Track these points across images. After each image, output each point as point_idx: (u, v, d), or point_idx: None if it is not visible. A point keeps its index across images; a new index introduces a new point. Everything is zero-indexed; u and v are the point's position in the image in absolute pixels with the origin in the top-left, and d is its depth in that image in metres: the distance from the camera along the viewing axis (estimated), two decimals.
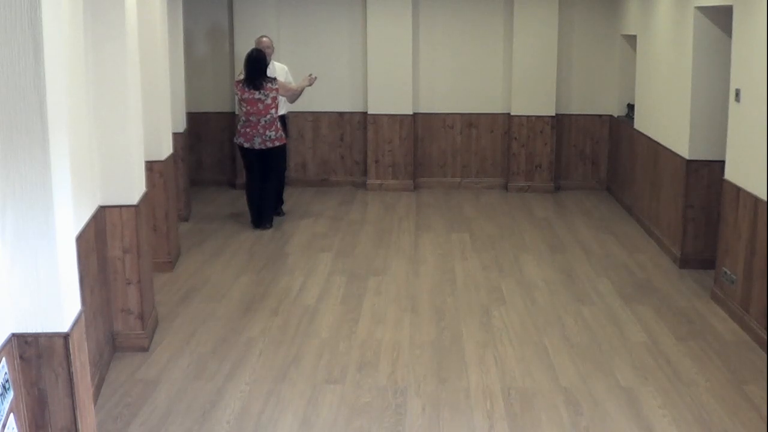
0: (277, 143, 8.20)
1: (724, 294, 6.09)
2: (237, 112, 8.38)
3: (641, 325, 5.84)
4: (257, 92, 8.02)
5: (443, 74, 10.26)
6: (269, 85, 8.08)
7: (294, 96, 8.58)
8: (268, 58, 8.32)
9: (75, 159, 3.96)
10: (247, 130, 8.13)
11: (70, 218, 3.05)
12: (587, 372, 5.07)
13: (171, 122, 7.54)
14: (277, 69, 8.63)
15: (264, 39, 8.57)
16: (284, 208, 8.98)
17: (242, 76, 8.23)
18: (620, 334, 5.67)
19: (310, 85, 8.50)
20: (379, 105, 10.14)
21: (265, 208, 8.34)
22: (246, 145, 8.17)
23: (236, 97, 8.31)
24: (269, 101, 8.06)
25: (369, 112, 10.18)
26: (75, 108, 4.38)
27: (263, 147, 8.15)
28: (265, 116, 8.07)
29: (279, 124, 8.22)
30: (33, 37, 2.70)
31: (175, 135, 7.88)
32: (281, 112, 8.55)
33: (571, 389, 4.84)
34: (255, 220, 8.37)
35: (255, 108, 8.05)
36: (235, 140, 8.36)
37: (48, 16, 2.76)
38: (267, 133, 8.11)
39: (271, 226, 8.32)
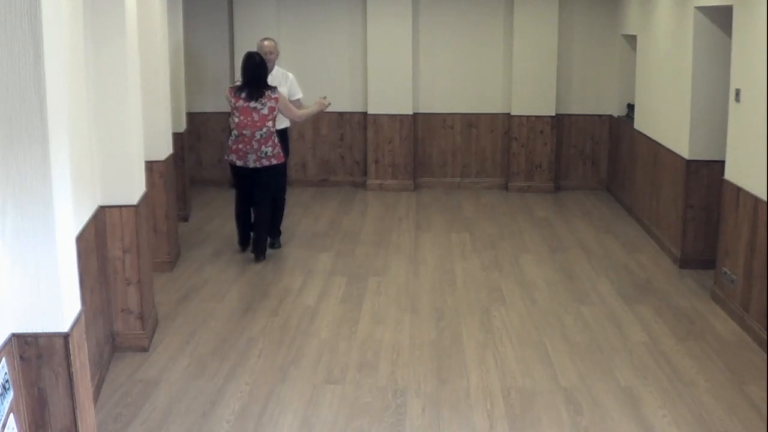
0: (273, 161, 7.09)
1: (724, 294, 6.08)
2: (230, 124, 7.23)
3: (641, 325, 5.84)
4: (252, 101, 6.97)
5: (443, 74, 10.26)
6: (268, 93, 7.00)
7: (295, 117, 7.38)
8: (271, 64, 7.38)
9: (75, 159, 3.96)
10: (240, 146, 7.02)
11: (70, 218, 3.05)
12: (587, 372, 5.07)
13: (171, 122, 7.54)
14: (279, 77, 7.53)
15: (267, 42, 7.50)
16: (282, 239, 7.77)
17: (238, 83, 7.25)
18: (620, 334, 5.67)
19: (322, 110, 7.46)
20: (379, 105, 10.14)
21: (258, 236, 7.25)
22: (238, 163, 7.08)
23: (230, 106, 7.14)
24: (266, 111, 6.96)
25: (369, 112, 10.19)
26: (75, 108, 4.37)
27: (258, 165, 7.06)
28: (260, 129, 6.96)
29: (276, 139, 7.10)
30: (33, 37, 2.70)
31: (175, 135, 7.88)
32: (283, 125, 7.53)
33: (571, 389, 4.84)
34: (243, 241, 7.41)
35: (249, 119, 6.95)
36: (226, 157, 7.23)
37: (48, 16, 2.76)
38: (263, 149, 7.00)
39: (264, 257, 7.23)
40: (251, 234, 7.33)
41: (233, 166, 7.18)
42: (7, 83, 2.71)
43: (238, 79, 7.34)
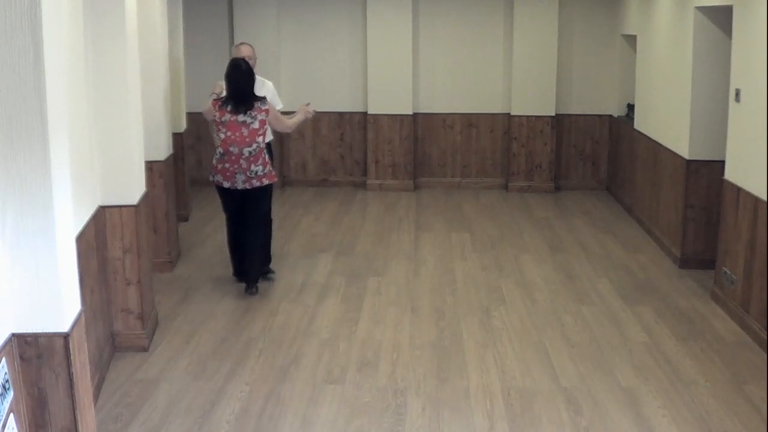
0: (265, 181, 6.31)
1: (724, 294, 6.08)
2: (214, 141, 6.46)
3: (641, 325, 5.84)
4: (240, 114, 6.17)
5: (443, 74, 10.26)
6: (258, 104, 6.21)
7: (286, 128, 6.61)
8: None
9: (75, 159, 3.96)
10: (226, 165, 6.23)
11: (70, 218, 3.05)
12: (587, 372, 5.07)
13: (171, 122, 7.54)
14: (258, 85, 6.60)
15: (244, 47, 6.82)
16: (272, 266, 6.91)
17: (215, 94, 6.47)
18: (620, 334, 5.67)
19: (308, 117, 6.70)
20: (379, 105, 10.14)
21: (251, 265, 6.44)
22: (225, 184, 6.29)
23: (212, 121, 6.37)
24: (256, 125, 6.16)
25: (369, 112, 10.19)
26: (75, 108, 4.38)
27: (247, 187, 6.27)
28: (249, 146, 6.16)
29: (267, 157, 6.35)
30: (33, 37, 2.70)
31: (175, 135, 7.88)
32: (266, 140, 6.56)
33: (571, 389, 4.84)
34: (240, 272, 6.54)
35: (237, 135, 6.15)
36: (211, 179, 6.41)
37: (48, 16, 2.76)
38: (252, 168, 6.21)
39: (257, 291, 6.42)
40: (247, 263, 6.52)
41: (220, 188, 6.39)
42: (7, 83, 2.71)
43: (217, 88, 6.55)
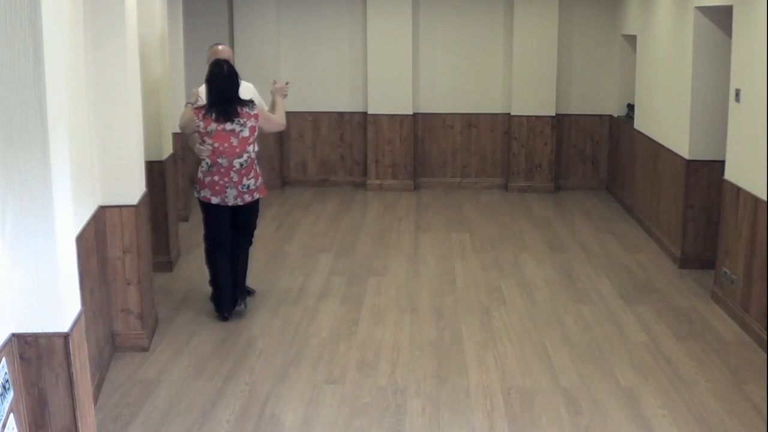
0: (257, 195, 5.79)
1: (724, 294, 6.08)
2: (197, 153, 5.78)
3: (641, 325, 5.84)
4: (228, 122, 5.58)
5: (443, 74, 10.26)
6: (246, 110, 5.63)
7: (279, 125, 6.00)
8: None
9: (75, 159, 3.96)
10: (215, 178, 5.63)
11: (70, 218, 3.05)
12: (587, 372, 5.07)
13: (171, 122, 7.54)
14: (242, 90, 5.89)
15: (221, 47, 6.10)
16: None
17: (190, 104, 5.83)
18: (620, 334, 5.67)
19: (285, 95, 6.08)
20: (379, 105, 10.14)
21: (239, 281, 6.02)
22: (214, 200, 5.67)
23: (194, 132, 5.75)
24: (246, 133, 5.60)
25: (369, 112, 10.19)
26: (75, 108, 4.38)
27: (239, 203, 5.72)
28: (240, 156, 5.60)
29: (258, 168, 5.83)
30: (33, 37, 2.70)
31: (175, 135, 7.88)
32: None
33: (571, 389, 4.84)
34: (224, 306, 5.89)
35: (226, 145, 5.57)
36: (196, 195, 5.77)
37: (48, 16, 2.76)
38: (244, 181, 5.66)
39: (245, 304, 6.02)
40: (232, 293, 5.95)
41: (207, 205, 5.74)
42: (7, 83, 2.71)
43: (194, 95, 5.91)
